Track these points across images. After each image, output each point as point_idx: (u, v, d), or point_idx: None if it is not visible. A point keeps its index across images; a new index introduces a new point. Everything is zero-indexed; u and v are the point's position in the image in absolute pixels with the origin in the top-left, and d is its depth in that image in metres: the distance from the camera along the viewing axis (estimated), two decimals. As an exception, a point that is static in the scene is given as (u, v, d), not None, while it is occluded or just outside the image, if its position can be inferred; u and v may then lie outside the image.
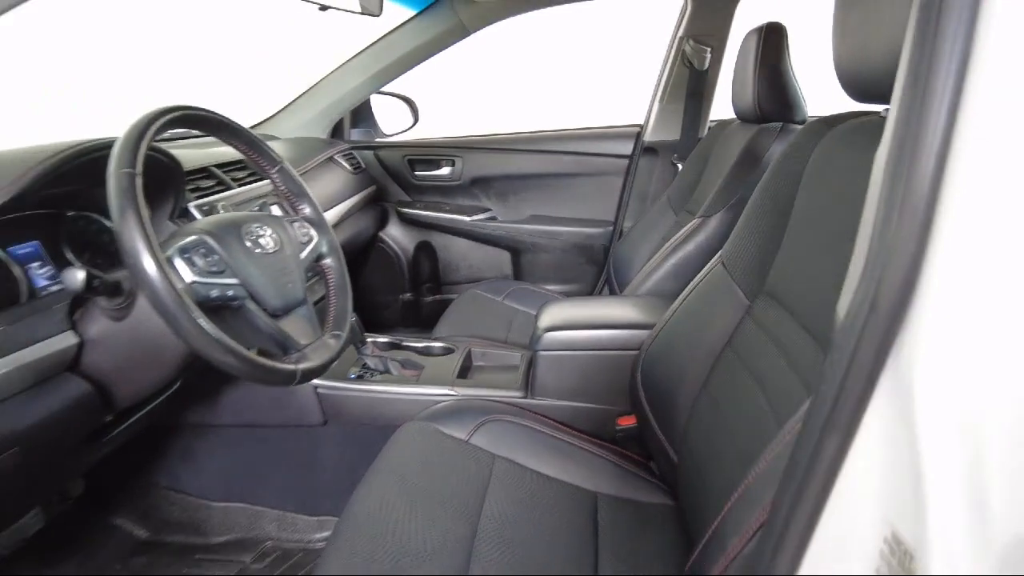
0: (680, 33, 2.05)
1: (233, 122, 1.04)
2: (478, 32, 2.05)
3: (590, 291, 2.35)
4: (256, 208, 1.14)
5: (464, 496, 0.99)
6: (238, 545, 1.45)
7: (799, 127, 1.29)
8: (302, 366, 0.89)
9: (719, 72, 2.06)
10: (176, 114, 0.90)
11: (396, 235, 2.43)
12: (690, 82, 2.07)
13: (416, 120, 2.35)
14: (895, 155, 0.41)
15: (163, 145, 1.09)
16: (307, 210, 1.15)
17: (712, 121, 2.13)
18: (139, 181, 0.78)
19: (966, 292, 0.38)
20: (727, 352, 0.98)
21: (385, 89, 2.22)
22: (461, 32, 2.03)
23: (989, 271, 0.37)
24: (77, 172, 0.92)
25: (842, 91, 0.76)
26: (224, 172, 1.41)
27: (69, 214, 1.00)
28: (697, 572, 0.70)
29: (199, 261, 0.85)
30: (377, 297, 2.44)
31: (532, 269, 2.40)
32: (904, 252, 0.40)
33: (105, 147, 0.89)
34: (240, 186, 1.41)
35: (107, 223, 1.03)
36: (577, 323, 1.36)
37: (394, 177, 2.39)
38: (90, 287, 0.81)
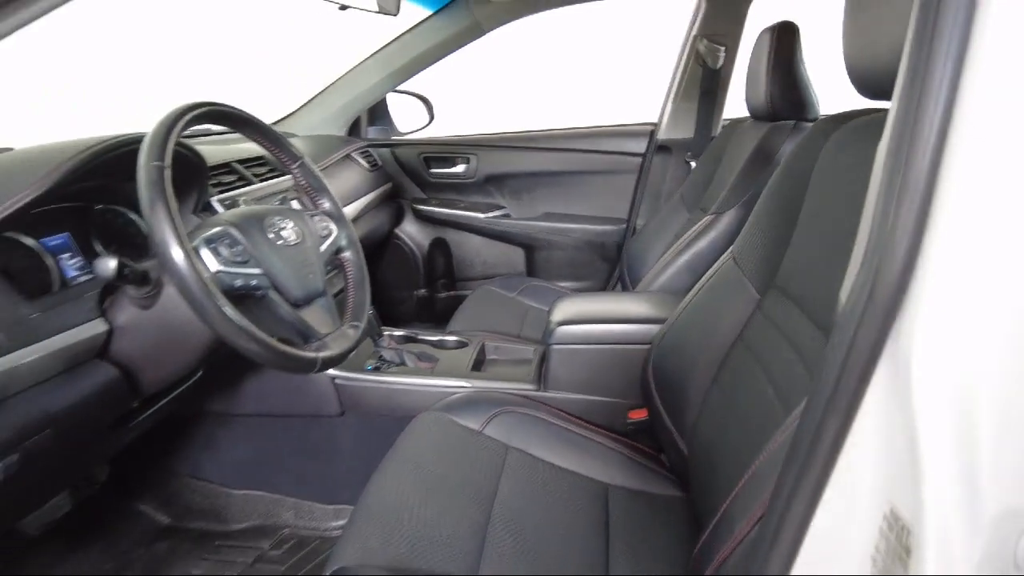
0: (694, 32, 2.06)
1: (256, 118, 1.07)
2: (493, 31, 2.07)
3: (603, 288, 2.37)
4: (277, 203, 1.17)
5: (477, 485, 1.01)
6: (257, 532, 1.48)
7: (811, 124, 1.30)
8: (322, 354, 0.92)
9: (732, 71, 2.07)
10: (203, 109, 0.93)
11: (411, 232, 2.46)
12: (704, 81, 2.08)
13: (432, 118, 2.38)
14: (894, 148, 0.43)
15: (187, 141, 1.12)
16: (327, 204, 1.17)
17: (725, 120, 2.14)
18: (168, 173, 0.82)
19: (961, 279, 0.40)
20: (738, 346, 0.99)
21: (401, 88, 2.25)
22: (476, 31, 2.06)
23: (983, 259, 0.39)
24: (106, 167, 0.95)
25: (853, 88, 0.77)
26: (245, 168, 1.44)
27: (97, 207, 1.03)
28: (706, 555, 0.72)
29: (224, 251, 0.88)
30: (392, 293, 2.47)
31: (545, 266, 2.42)
32: (901, 240, 0.41)
33: (133, 142, 0.93)
34: (261, 182, 1.45)
35: (133, 216, 1.06)
36: (590, 317, 1.38)
37: (410, 175, 2.42)
38: (121, 275, 0.84)
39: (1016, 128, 0.38)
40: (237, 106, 1.04)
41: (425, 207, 2.41)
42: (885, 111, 0.84)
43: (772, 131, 1.49)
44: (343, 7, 1.56)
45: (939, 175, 0.41)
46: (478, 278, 2.48)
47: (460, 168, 2.37)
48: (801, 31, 1.48)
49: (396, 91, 2.27)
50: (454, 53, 2.13)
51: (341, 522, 1.48)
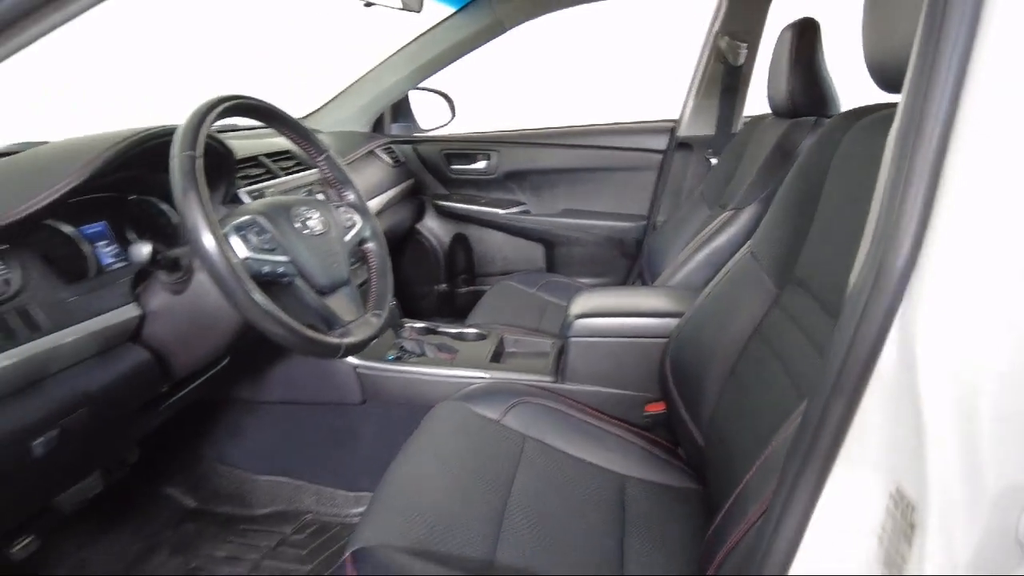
0: (715, 29, 2.05)
1: (284, 112, 1.10)
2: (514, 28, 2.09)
3: (622, 284, 2.37)
4: (303, 195, 1.20)
5: (495, 473, 1.02)
6: (279, 517, 1.52)
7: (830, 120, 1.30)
8: (346, 340, 0.95)
9: (753, 67, 2.06)
10: (233, 102, 0.96)
11: (433, 227, 2.49)
12: (725, 77, 2.07)
13: (453, 115, 2.40)
14: (902, 137, 0.44)
15: (215, 135, 1.15)
16: (351, 197, 1.20)
17: (746, 117, 2.13)
18: (200, 163, 0.85)
19: (965, 263, 0.41)
20: (755, 339, 1.00)
21: (423, 85, 2.28)
22: (498, 29, 2.08)
23: (987, 244, 0.40)
24: (139, 158, 0.98)
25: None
26: (272, 161, 1.48)
27: (131, 198, 1.07)
28: (719, 538, 0.73)
29: (253, 239, 0.91)
30: (413, 288, 2.50)
31: (565, 262, 2.43)
32: (908, 225, 0.42)
33: (166, 134, 0.96)
34: (287, 175, 1.48)
35: (164, 207, 1.09)
36: (608, 311, 1.39)
37: (432, 171, 2.45)
38: (154, 260, 0.87)
39: (1020, 118, 0.39)
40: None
41: (446, 203, 2.44)
42: (902, 104, 0.85)
43: (793, 127, 1.49)
44: (368, 3, 1.59)
45: (945, 163, 0.42)
46: (498, 274, 2.50)
47: (481, 164, 2.39)
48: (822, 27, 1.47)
49: (418, 88, 2.30)
50: (475, 50, 2.15)
51: (361, 509, 1.51)
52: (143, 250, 0.86)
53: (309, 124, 2.19)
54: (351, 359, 1.44)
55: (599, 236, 2.34)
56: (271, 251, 0.93)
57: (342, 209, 1.16)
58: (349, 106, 2.24)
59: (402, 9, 1.65)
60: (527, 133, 2.36)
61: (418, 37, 2.13)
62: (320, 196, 1.21)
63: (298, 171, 1.55)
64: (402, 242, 2.46)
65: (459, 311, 2.50)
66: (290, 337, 0.86)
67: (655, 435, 1.26)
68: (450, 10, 2.05)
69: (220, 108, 0.93)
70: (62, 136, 1.06)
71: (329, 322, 0.99)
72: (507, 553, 0.88)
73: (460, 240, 2.51)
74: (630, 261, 2.36)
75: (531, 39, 2.34)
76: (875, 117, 0.87)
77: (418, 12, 1.68)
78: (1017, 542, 0.39)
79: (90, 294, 0.92)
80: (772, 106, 1.61)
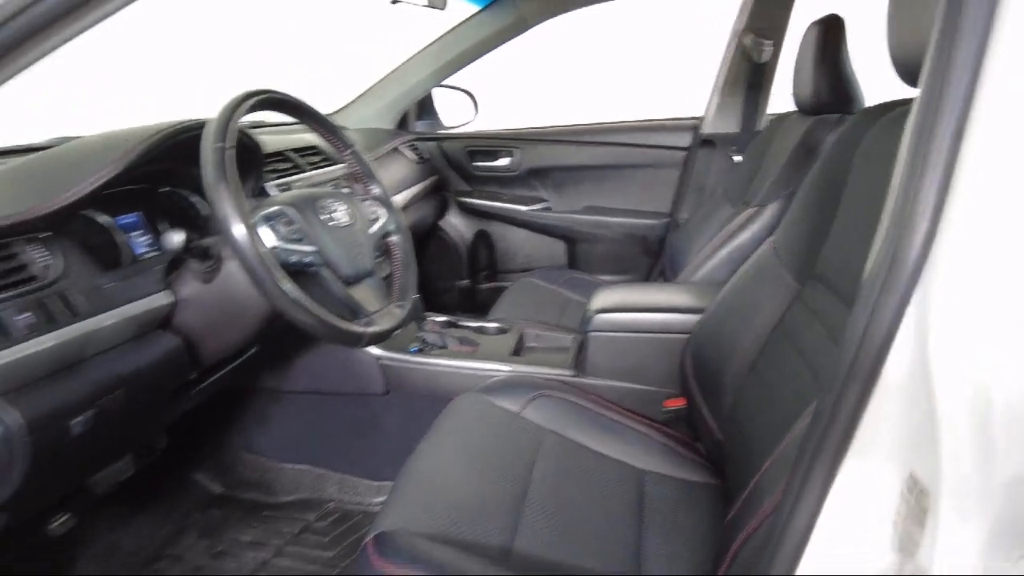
0: (740, 26, 2.04)
1: (311, 107, 1.13)
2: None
3: (643, 281, 2.37)
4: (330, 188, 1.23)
5: (514, 464, 1.03)
6: (303, 505, 1.55)
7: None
8: (370, 329, 0.97)
9: (777, 65, 2.05)
10: (263, 96, 0.99)
11: (455, 224, 2.51)
12: (749, 75, 2.06)
13: (476, 112, 2.42)
14: (919, 126, 0.45)
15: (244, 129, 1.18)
16: (376, 191, 1.22)
17: (771, 114, 2.12)
18: (231, 154, 0.87)
19: (979, 251, 0.41)
20: (775, 335, 1.00)
21: (446, 82, 2.30)
22: (522, 26, 2.09)
23: (1002, 232, 0.41)
24: (171, 151, 1.01)
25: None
26: (299, 156, 1.51)
27: (162, 190, 1.11)
28: (735, 526, 0.73)
29: (281, 228, 0.94)
30: (435, 283, 2.52)
31: (587, 259, 2.44)
32: (923, 213, 0.43)
33: (197, 128, 0.99)
34: (313, 170, 1.51)
35: (194, 199, 1.12)
36: (629, 306, 1.40)
37: (455, 168, 2.47)
38: (187, 248, 0.90)
39: None
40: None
41: (469, 200, 2.46)
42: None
43: (817, 124, 1.48)
44: (395, 0, 1.62)
45: (959, 155, 0.42)
46: (520, 270, 2.51)
47: (504, 161, 2.41)
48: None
49: (441, 86, 2.32)
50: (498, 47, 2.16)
51: (383, 498, 1.53)
52: (176, 238, 0.89)
53: (335, 121, 2.23)
54: (374, 350, 1.47)
55: (621, 233, 2.34)
56: (298, 241, 0.95)
57: (367, 202, 1.18)
58: (374, 103, 2.27)
59: (427, 6, 1.67)
60: (550, 130, 2.37)
61: (442, 35, 2.15)
62: (346, 190, 1.23)
63: (324, 166, 1.58)
64: (425, 238, 2.48)
65: (480, 307, 2.52)
66: (316, 324, 0.88)
67: (674, 430, 1.26)
68: (473, 8, 2.07)
69: (251, 102, 0.96)
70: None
71: (353, 311, 1.02)
72: (525, 542, 0.89)
73: (482, 236, 2.52)
74: (652, 258, 2.36)
75: (554, 35, 2.34)
76: (898, 112, 0.86)
77: (442, 9, 1.70)
78: (1028, 526, 0.39)
79: (125, 281, 0.95)
80: (797, 103, 1.60)
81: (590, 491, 1.02)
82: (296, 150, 1.53)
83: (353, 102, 2.27)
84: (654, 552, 0.92)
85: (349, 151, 1.20)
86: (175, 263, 1.02)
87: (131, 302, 0.94)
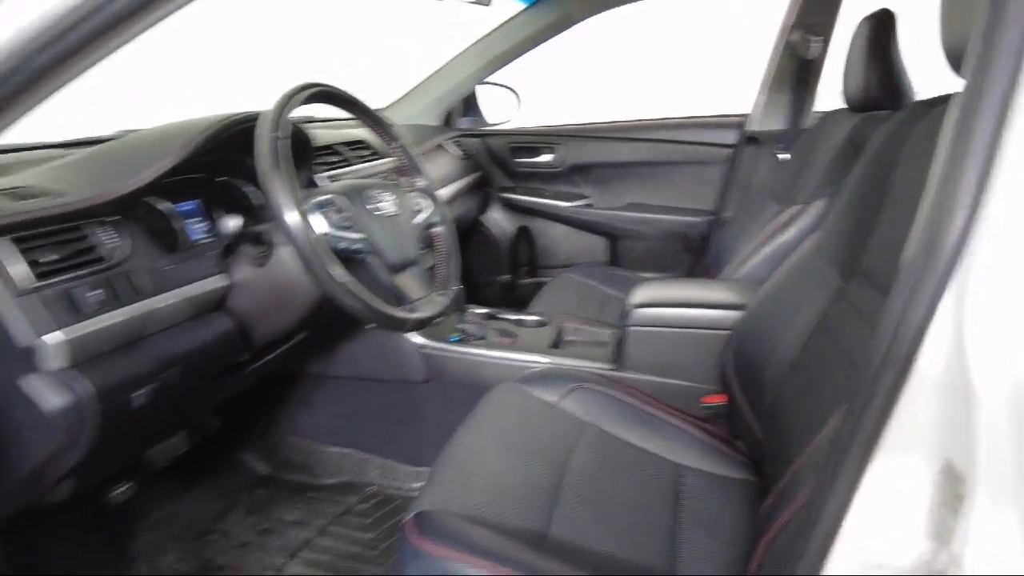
0: (789, 22, 2.01)
1: (360, 101, 1.17)
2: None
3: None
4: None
5: (551, 453, 1.04)
6: (345, 488, 1.60)
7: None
8: (413, 315, 1.00)
9: (824, 61, 2.01)
10: (315, 89, 1.03)
11: (497, 219, 2.54)
12: (797, 72, 2.03)
13: (519, 109, 2.43)
14: (961, 116, 0.45)
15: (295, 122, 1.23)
16: (422, 183, 1.26)
17: (818, 112, 2.08)
18: (285, 144, 0.91)
19: (1018, 239, 0.41)
20: (818, 332, 0.99)
21: (488, 79, 2.32)
22: (566, 22, 2.10)
23: None
24: (228, 142, 1.06)
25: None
26: (348, 150, 1.55)
27: (218, 179, 1.16)
28: (770, 516, 0.73)
29: (332, 216, 0.98)
30: (476, 278, 2.55)
31: (628, 256, 2.43)
32: (963, 200, 0.43)
33: (251, 119, 1.03)
34: (361, 163, 1.56)
35: (247, 189, 1.17)
36: (668, 301, 1.39)
37: (498, 164, 2.49)
38: (241, 234, 0.95)
39: None
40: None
41: (511, 195, 2.48)
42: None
43: (866, 121, 1.45)
44: (441, -2, 1.65)
45: (1001, 141, 0.42)
46: (560, 266, 2.52)
47: (547, 158, 2.42)
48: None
49: (483, 83, 2.34)
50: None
51: (422, 483, 1.57)
52: (232, 223, 0.94)
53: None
54: (416, 339, 1.50)
55: (663, 230, 2.32)
56: (348, 228, 0.99)
57: (413, 194, 1.21)
58: (421, 101, 2.31)
59: (473, 3, 1.69)
60: (593, 127, 2.37)
61: (488, 33, 2.17)
62: (392, 183, 1.27)
63: (372, 160, 1.62)
64: (467, 233, 2.51)
65: (520, 301, 2.53)
66: (362, 308, 0.91)
67: (713, 426, 1.25)
68: (519, 5, 2.08)
69: (304, 94, 1.00)
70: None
71: (398, 298, 1.05)
72: (561, 528, 0.90)
73: (524, 232, 2.54)
74: (694, 256, 2.34)
75: (598, 31, 2.34)
76: (946, 107, 0.85)
77: (487, 6, 1.72)
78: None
79: (183, 264, 1.00)
80: (847, 100, 1.57)
81: (626, 483, 1.02)
82: (345, 144, 1.58)
83: (400, 99, 2.32)
84: (689, 546, 0.92)
85: (397, 144, 1.23)
86: (230, 248, 1.07)
87: (189, 284, 0.99)
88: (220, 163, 1.13)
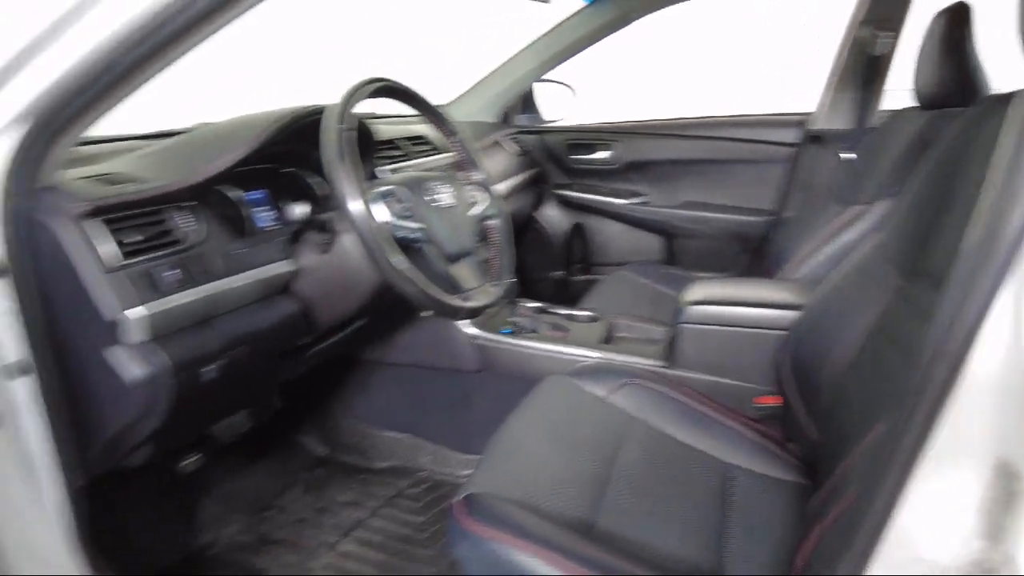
0: (858, 18, 1.94)
1: (421, 95, 1.20)
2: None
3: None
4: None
5: (600, 446, 1.05)
6: (397, 472, 1.66)
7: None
8: (467, 304, 1.03)
9: (892, 58, 1.93)
10: (380, 84, 1.07)
11: (552, 216, 2.55)
12: (864, 69, 1.96)
13: (576, 106, 2.43)
14: None
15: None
16: (478, 177, 1.29)
17: (884, 111, 2.00)
18: (351, 135, 0.96)
19: None
20: (877, 333, 0.96)
21: (545, 76, 2.33)
22: (626, 19, 2.09)
23: None
24: (295, 134, 1.12)
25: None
26: (409, 144, 1.60)
27: (284, 170, 1.21)
28: (817, 514, 0.72)
29: (393, 205, 1.02)
30: (530, 273, 2.57)
31: (683, 254, 2.40)
32: None
33: (317, 112, 1.08)
34: (421, 158, 1.60)
35: (312, 180, 1.22)
36: (723, 299, 1.38)
37: (554, 161, 2.50)
38: (308, 221, 1.00)
39: None
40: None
41: (567, 192, 2.48)
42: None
43: (937, 118, 1.39)
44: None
45: None
46: (614, 263, 2.51)
47: (602, 155, 2.41)
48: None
49: (542, 80, 2.35)
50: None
51: (472, 470, 1.61)
52: (299, 210, 0.99)
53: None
54: (469, 330, 1.54)
55: (720, 229, 2.29)
56: (408, 218, 1.03)
57: (470, 187, 1.24)
58: (480, 97, 2.34)
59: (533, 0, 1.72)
60: (651, 124, 2.35)
61: (548, 31, 2.19)
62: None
63: (431, 155, 1.67)
64: (522, 229, 2.53)
65: (573, 298, 2.53)
66: (419, 295, 0.95)
67: (765, 427, 1.23)
68: (579, 2, 2.08)
69: (369, 88, 1.04)
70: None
71: (453, 287, 1.08)
72: (608, 518, 0.91)
73: (578, 229, 2.54)
74: (751, 256, 2.29)
75: (660, 27, 2.32)
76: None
77: (547, 2, 1.74)
78: None
79: (252, 248, 1.06)
80: (918, 97, 1.51)
81: (675, 479, 1.02)
82: (406, 139, 1.63)
83: (460, 96, 2.35)
84: (736, 543, 0.91)
85: (455, 139, 1.26)
86: (296, 235, 1.13)
87: (257, 267, 1.05)
88: (288, 154, 1.19)
